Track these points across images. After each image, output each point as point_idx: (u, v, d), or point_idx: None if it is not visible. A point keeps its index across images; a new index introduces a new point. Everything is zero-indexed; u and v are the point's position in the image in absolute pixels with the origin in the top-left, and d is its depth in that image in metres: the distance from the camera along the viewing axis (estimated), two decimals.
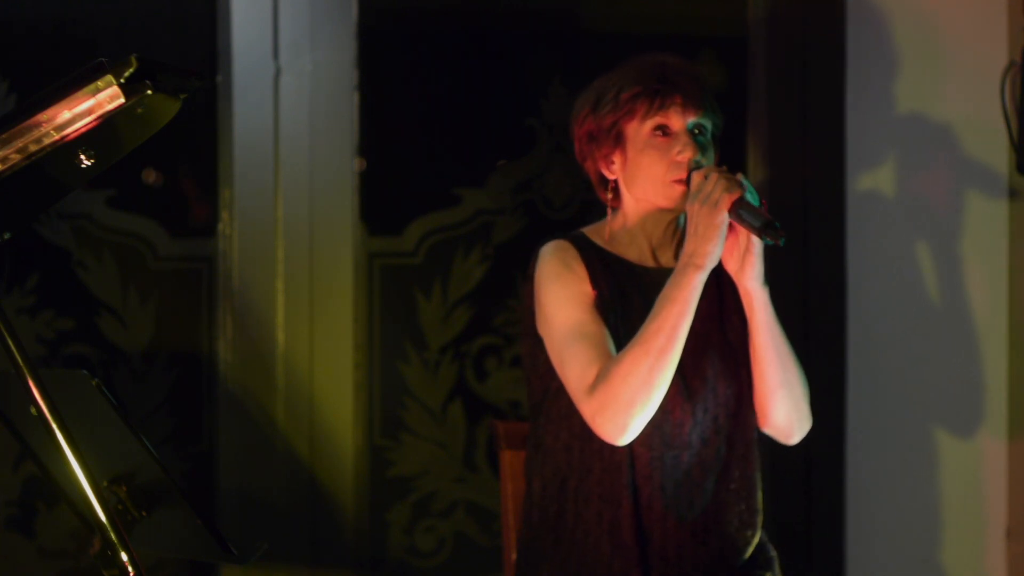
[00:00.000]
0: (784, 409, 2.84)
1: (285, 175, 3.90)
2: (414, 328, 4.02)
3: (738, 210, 2.66)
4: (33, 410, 1.89)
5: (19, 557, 3.89)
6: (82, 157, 1.88)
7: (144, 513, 2.12)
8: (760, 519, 2.91)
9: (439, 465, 4.05)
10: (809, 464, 3.91)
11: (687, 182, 2.76)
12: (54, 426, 1.88)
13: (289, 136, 3.89)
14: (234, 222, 3.88)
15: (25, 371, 1.88)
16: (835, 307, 3.94)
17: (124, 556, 1.88)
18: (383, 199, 3.98)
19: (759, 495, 2.91)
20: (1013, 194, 3.94)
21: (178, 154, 3.92)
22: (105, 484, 2.10)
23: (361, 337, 3.95)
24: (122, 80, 1.83)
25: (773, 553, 2.96)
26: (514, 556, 3.03)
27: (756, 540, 2.90)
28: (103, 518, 1.88)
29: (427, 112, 4.06)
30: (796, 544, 3.91)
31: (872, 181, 3.97)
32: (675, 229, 2.90)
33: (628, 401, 2.70)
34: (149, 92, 1.83)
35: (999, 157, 3.92)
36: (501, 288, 4.05)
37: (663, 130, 2.79)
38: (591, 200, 4.12)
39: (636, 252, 2.89)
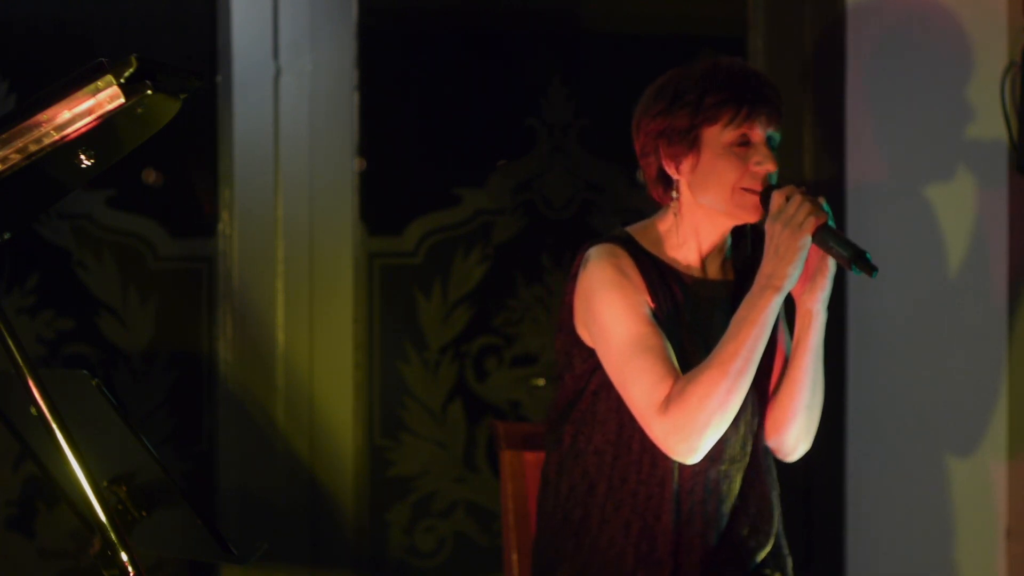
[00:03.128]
0: (797, 431, 2.85)
1: (285, 175, 3.90)
2: (414, 328, 4.02)
3: (823, 235, 2.65)
4: (33, 410, 1.88)
5: (19, 557, 3.89)
6: (82, 157, 1.88)
7: (144, 513, 2.12)
8: (775, 526, 2.90)
9: (439, 465, 4.05)
10: (809, 464, 3.91)
11: (761, 196, 2.72)
12: (54, 426, 1.87)
13: (289, 136, 3.89)
14: (234, 222, 3.88)
15: (25, 371, 1.88)
16: (835, 307, 3.94)
17: (124, 556, 1.88)
18: (383, 199, 3.98)
19: (775, 501, 2.90)
20: (1013, 194, 3.94)
21: (178, 154, 3.92)
22: (105, 484, 2.10)
23: (361, 337, 3.95)
24: (122, 80, 1.83)
25: (787, 554, 2.95)
26: (515, 556, 3.02)
27: (768, 546, 2.89)
28: (103, 518, 1.88)
29: (427, 112, 4.06)
30: (796, 544, 3.91)
31: (872, 181, 3.97)
32: (726, 242, 2.85)
33: (704, 423, 2.68)
34: (149, 92, 1.83)
35: (999, 157, 3.92)
36: (501, 288, 4.05)
37: (744, 139, 2.74)
38: (591, 200, 4.12)
39: (685, 259, 2.83)
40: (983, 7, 3.92)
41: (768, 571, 2.90)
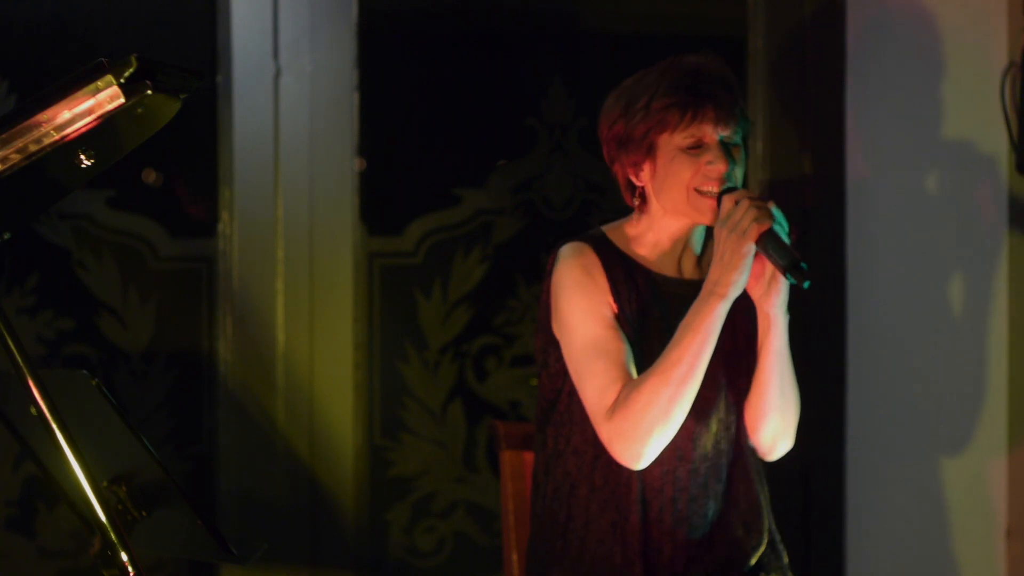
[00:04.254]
0: (772, 431, 2.82)
1: (285, 175, 3.90)
2: (414, 328, 4.02)
3: (766, 242, 2.63)
4: (33, 410, 1.89)
5: (19, 557, 3.89)
6: (82, 157, 1.88)
7: (144, 513, 2.12)
8: (766, 523, 2.89)
9: (439, 465, 4.05)
10: (809, 465, 3.91)
11: (717, 198, 2.70)
12: (54, 426, 1.88)
13: (289, 136, 3.89)
14: (234, 222, 3.89)
15: (25, 371, 1.88)
16: (835, 307, 3.94)
17: (124, 556, 1.88)
18: (383, 199, 3.98)
19: (763, 499, 2.89)
20: (1013, 194, 3.94)
21: (178, 154, 3.92)
22: (105, 484, 2.10)
23: (361, 337, 3.95)
24: (122, 80, 1.83)
25: (782, 549, 2.94)
26: (515, 556, 3.02)
27: (763, 545, 2.89)
28: (103, 518, 1.88)
29: (427, 112, 4.06)
30: (796, 544, 3.91)
31: (872, 181, 3.97)
32: (700, 240, 2.84)
33: (647, 430, 2.68)
34: (149, 92, 1.83)
35: (999, 157, 3.92)
36: (501, 288, 4.05)
37: (696, 142, 2.73)
38: (591, 200, 4.12)
39: (658, 259, 2.83)
40: (983, 7, 3.92)
41: (764, 574, 2.89)
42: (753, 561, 2.88)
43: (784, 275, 2.62)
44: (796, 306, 4.00)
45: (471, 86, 4.06)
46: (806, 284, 2.60)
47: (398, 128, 4.02)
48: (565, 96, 4.05)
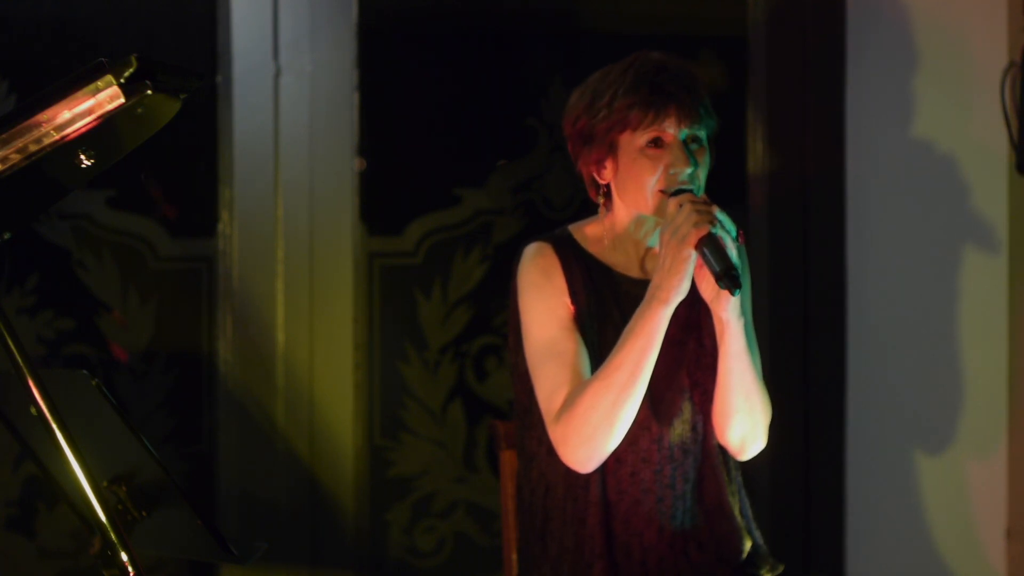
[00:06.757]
0: (739, 432, 2.79)
1: (285, 175, 3.90)
2: (414, 328, 4.02)
3: (703, 247, 2.60)
4: (33, 410, 1.89)
5: (19, 557, 3.90)
6: (82, 157, 1.88)
7: (144, 513, 2.12)
8: (740, 522, 2.87)
9: (439, 465, 4.05)
10: (809, 464, 3.91)
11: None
12: (54, 426, 1.88)
13: (289, 136, 3.89)
14: (234, 222, 3.89)
15: (25, 371, 1.88)
16: (835, 306, 3.94)
17: (124, 556, 1.88)
18: (383, 199, 3.98)
19: (733, 499, 2.87)
20: (1013, 194, 3.94)
21: (178, 154, 3.92)
22: (105, 484, 2.10)
23: (361, 337, 3.95)
24: (122, 80, 1.83)
25: (760, 540, 2.93)
26: (515, 556, 3.03)
27: (744, 544, 2.88)
28: (103, 518, 1.88)
29: (427, 112, 4.06)
30: (796, 544, 3.91)
31: (872, 180, 3.97)
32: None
33: (590, 435, 2.68)
34: (149, 92, 1.83)
35: (999, 157, 3.92)
36: (501, 288, 4.03)
37: (657, 142, 2.72)
38: (591, 200, 4.11)
39: (622, 258, 2.84)
40: (983, 7, 3.92)
41: (751, 571, 2.88)
42: (738, 561, 2.87)
43: (717, 282, 2.59)
44: (796, 306, 4.01)
45: (471, 86, 4.06)
46: (735, 292, 2.58)
47: (398, 128, 4.02)
48: (565, 96, 4.03)
